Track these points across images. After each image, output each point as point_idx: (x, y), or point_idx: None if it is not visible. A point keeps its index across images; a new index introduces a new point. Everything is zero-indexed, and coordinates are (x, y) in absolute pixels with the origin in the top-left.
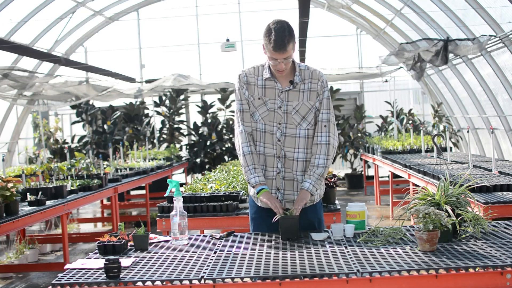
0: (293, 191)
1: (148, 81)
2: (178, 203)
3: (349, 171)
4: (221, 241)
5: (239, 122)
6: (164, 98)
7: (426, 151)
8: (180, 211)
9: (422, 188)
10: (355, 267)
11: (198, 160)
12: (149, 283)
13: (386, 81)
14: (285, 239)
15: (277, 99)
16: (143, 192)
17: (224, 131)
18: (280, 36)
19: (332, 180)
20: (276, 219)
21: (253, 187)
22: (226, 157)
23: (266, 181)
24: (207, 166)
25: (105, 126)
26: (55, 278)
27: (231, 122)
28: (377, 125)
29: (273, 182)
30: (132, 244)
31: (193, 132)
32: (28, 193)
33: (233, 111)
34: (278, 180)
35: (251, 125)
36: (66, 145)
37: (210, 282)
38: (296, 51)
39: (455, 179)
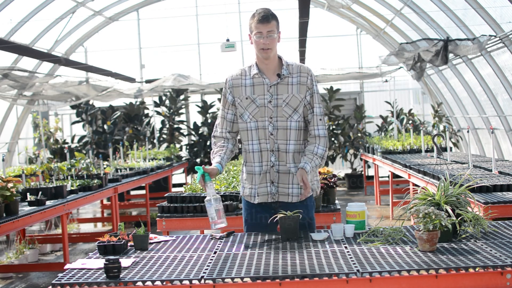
0: (288, 184)
1: (148, 81)
2: (211, 189)
3: (349, 171)
4: (221, 241)
5: (216, 126)
6: (164, 98)
7: (426, 151)
8: (214, 197)
9: (422, 188)
10: (355, 267)
11: (198, 160)
12: (149, 283)
13: (386, 81)
14: (285, 239)
15: (266, 94)
16: (143, 192)
17: None
18: (264, 12)
19: (332, 180)
20: (276, 219)
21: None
22: None
23: (261, 176)
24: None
25: (105, 126)
26: (55, 278)
27: None
28: (377, 125)
29: (267, 176)
30: (132, 244)
31: (193, 132)
32: (28, 193)
33: None
34: (272, 174)
35: (238, 127)
36: (66, 145)
37: (210, 282)
38: (296, 51)
39: (455, 179)
